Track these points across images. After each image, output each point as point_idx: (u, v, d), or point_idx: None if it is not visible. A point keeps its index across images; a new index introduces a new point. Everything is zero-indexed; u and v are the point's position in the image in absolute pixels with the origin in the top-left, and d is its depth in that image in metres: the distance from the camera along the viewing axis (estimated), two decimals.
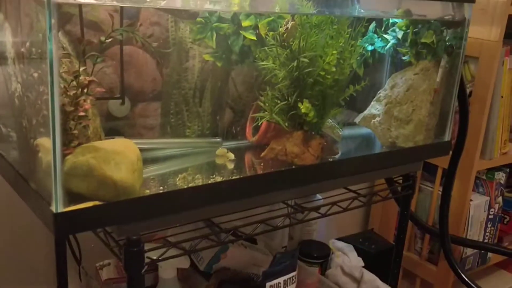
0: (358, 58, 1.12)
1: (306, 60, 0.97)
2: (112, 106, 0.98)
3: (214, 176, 0.94)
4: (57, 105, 0.69)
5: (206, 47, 1.06)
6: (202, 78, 1.08)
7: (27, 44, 0.75)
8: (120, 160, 0.79)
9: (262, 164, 1.03)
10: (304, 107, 1.00)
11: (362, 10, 1.15)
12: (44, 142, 0.76)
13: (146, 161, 0.99)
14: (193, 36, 1.03)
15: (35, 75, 0.74)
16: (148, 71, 1.02)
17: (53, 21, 0.65)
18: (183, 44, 1.05)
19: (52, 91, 0.67)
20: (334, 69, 1.01)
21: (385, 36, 1.19)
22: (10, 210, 1.18)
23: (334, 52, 1.00)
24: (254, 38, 1.04)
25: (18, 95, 0.82)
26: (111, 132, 1.00)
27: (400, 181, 1.28)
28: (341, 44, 1.01)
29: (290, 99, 1.01)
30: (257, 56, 1.03)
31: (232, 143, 1.12)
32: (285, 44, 0.99)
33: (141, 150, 0.99)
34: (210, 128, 1.11)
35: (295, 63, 0.97)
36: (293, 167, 1.00)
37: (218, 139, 1.10)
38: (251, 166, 1.04)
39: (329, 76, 1.01)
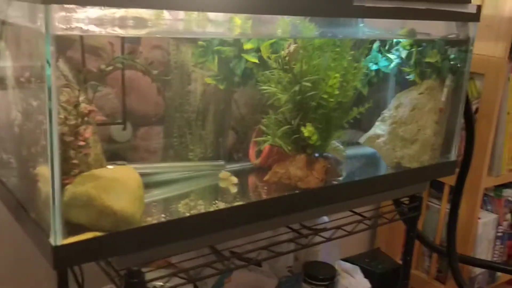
0: (362, 78, 1.10)
1: (308, 84, 0.96)
2: (114, 131, 0.98)
3: (216, 201, 0.93)
4: (56, 136, 0.68)
5: (208, 70, 1.05)
6: (204, 101, 1.07)
7: (27, 72, 0.74)
8: (121, 188, 0.78)
9: (265, 188, 1.02)
10: (307, 130, 0.98)
11: (367, 30, 1.14)
12: (43, 172, 0.75)
13: (149, 186, 0.98)
14: (195, 60, 1.02)
15: (34, 103, 0.74)
16: (150, 95, 1.02)
17: (51, 48, 0.64)
18: (185, 68, 1.04)
19: (51, 120, 0.67)
20: (337, 92, 1.00)
21: (389, 55, 1.18)
22: (13, 233, 1.16)
23: (337, 75, 0.99)
24: (256, 60, 1.04)
25: (18, 123, 0.81)
26: (114, 157, 0.99)
27: (406, 202, 1.26)
28: (344, 66, 1.00)
29: (293, 123, 1.00)
30: (259, 79, 1.03)
31: (235, 166, 1.11)
32: (287, 67, 0.98)
33: (144, 174, 0.98)
34: (213, 151, 1.10)
35: (297, 87, 0.95)
36: (297, 191, 0.98)
37: (221, 162, 1.09)
38: (254, 190, 1.03)
39: (332, 99, 1.00)
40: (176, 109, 1.05)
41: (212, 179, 1.06)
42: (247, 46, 1.02)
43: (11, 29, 0.84)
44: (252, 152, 1.12)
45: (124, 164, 0.98)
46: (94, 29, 0.84)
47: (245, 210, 0.90)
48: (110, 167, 0.88)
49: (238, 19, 0.96)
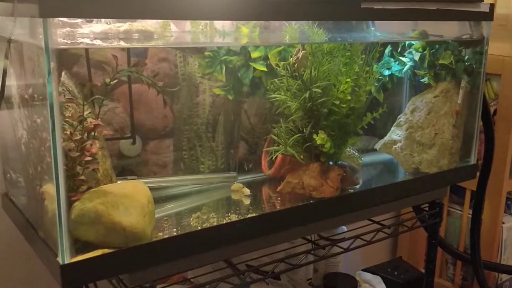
0: (376, 84, 1.08)
1: (318, 90, 0.94)
2: (123, 146, 0.96)
3: (229, 214, 0.90)
4: (60, 152, 0.66)
5: (216, 80, 1.04)
6: (213, 112, 1.06)
7: (30, 89, 0.73)
8: (129, 204, 0.77)
9: (279, 198, 0.99)
10: (320, 138, 0.96)
11: (378, 34, 1.11)
12: (50, 189, 0.74)
13: (160, 200, 0.96)
14: (202, 71, 1.01)
15: (38, 121, 0.72)
16: (159, 108, 1.00)
17: (52, 64, 0.63)
18: (193, 79, 1.03)
19: (54, 137, 0.65)
20: (349, 97, 0.97)
21: (402, 59, 1.15)
22: (25, 252, 1.15)
23: (348, 80, 0.96)
24: (265, 69, 1.02)
25: (24, 141, 0.80)
26: (124, 172, 0.97)
27: (426, 209, 1.22)
28: (355, 70, 0.98)
29: (304, 131, 0.97)
30: (268, 87, 1.01)
31: (247, 177, 1.08)
32: (296, 74, 0.96)
33: (155, 188, 0.97)
34: (224, 163, 1.08)
35: (307, 94, 0.93)
36: (311, 201, 0.95)
37: (233, 174, 1.07)
38: (267, 201, 1.00)
39: (344, 105, 0.97)
40: (185, 122, 1.03)
41: (224, 191, 1.03)
42: (255, 54, 1.00)
43: (13, 47, 0.84)
44: (264, 162, 1.09)
45: (134, 179, 0.97)
46: (98, 43, 0.84)
47: (259, 222, 0.87)
48: (120, 182, 0.87)
49: (245, 28, 0.95)
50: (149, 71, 0.95)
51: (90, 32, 0.83)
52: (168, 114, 1.02)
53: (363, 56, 0.99)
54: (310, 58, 0.95)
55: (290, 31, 0.98)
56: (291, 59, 0.96)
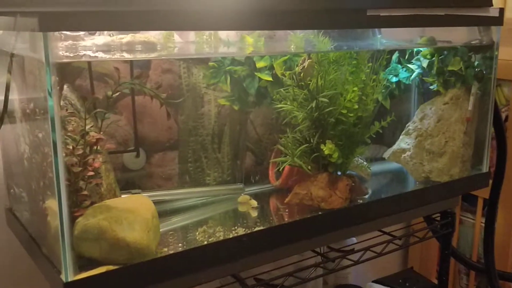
0: (383, 91, 1.06)
1: (325, 100, 0.92)
2: (127, 159, 0.95)
3: (236, 227, 0.89)
4: (61, 167, 0.65)
5: (221, 91, 1.02)
6: (219, 123, 1.04)
7: (31, 104, 0.72)
8: (133, 219, 0.75)
9: (287, 210, 0.97)
10: (327, 148, 0.94)
11: (385, 41, 1.10)
12: (52, 205, 0.73)
13: (166, 213, 0.94)
14: (207, 81, 1.00)
15: (40, 135, 0.71)
16: (163, 120, 0.99)
17: (53, 78, 0.62)
18: (197, 90, 1.01)
19: (55, 151, 0.64)
20: (356, 106, 0.95)
21: (410, 66, 1.13)
22: (27, 265, 1.14)
23: (355, 89, 0.94)
24: (270, 79, 1.00)
25: (26, 156, 0.79)
26: (128, 186, 0.96)
27: (438, 218, 1.19)
28: (362, 79, 0.96)
29: (311, 141, 0.95)
30: (274, 97, 0.99)
31: (254, 188, 1.06)
32: (303, 83, 0.94)
33: (160, 202, 0.95)
34: (230, 174, 1.06)
35: (314, 104, 0.91)
36: (320, 213, 0.93)
37: (240, 185, 1.05)
38: (275, 213, 0.98)
39: (351, 114, 0.95)
40: (190, 133, 1.01)
41: (230, 203, 1.02)
42: (260, 64, 0.99)
43: (15, 61, 0.83)
44: (271, 173, 1.07)
45: (139, 193, 0.95)
46: (101, 55, 0.82)
47: (267, 235, 0.85)
48: (124, 196, 0.85)
49: (250, 38, 0.94)
50: (152, 83, 0.94)
51: (92, 45, 0.82)
52: (172, 125, 1.00)
53: (370, 64, 0.97)
54: (316, 67, 0.94)
55: (295, 40, 0.97)
56: (297, 68, 0.94)
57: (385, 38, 1.10)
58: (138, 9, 0.65)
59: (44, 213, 0.74)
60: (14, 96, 0.83)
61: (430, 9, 0.99)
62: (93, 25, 0.64)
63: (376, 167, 1.16)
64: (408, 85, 1.20)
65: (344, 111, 0.94)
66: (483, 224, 1.44)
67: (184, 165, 1.02)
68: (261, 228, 0.87)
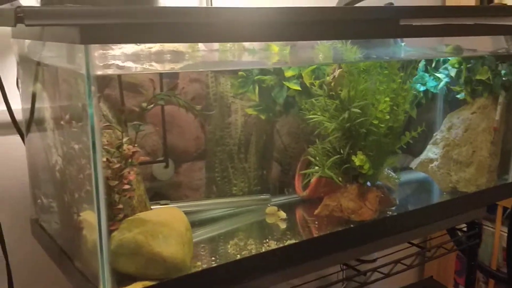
0: (412, 99, 1.04)
1: (357, 110, 0.91)
2: (156, 170, 0.93)
3: (267, 240, 0.87)
4: (101, 180, 0.64)
5: (248, 100, 1.01)
6: (245, 132, 1.03)
7: (67, 115, 0.71)
8: (168, 233, 0.74)
9: (316, 222, 0.95)
10: (358, 159, 0.92)
11: (408, 49, 1.08)
12: (88, 218, 0.71)
13: (193, 225, 0.92)
14: (235, 91, 0.98)
15: (76, 147, 0.70)
16: (191, 130, 0.98)
17: (93, 89, 0.61)
18: (225, 99, 1.00)
19: (95, 165, 0.63)
20: (387, 116, 0.94)
21: (437, 74, 1.12)
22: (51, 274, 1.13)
23: (387, 99, 0.93)
24: (299, 88, 0.99)
25: (59, 168, 0.78)
26: (155, 196, 0.95)
27: (462, 228, 1.18)
28: (393, 88, 0.95)
29: (342, 152, 0.94)
30: (303, 107, 0.98)
31: (281, 199, 1.05)
32: (333, 93, 0.93)
33: (188, 213, 0.94)
34: (257, 184, 1.04)
35: (346, 114, 0.90)
36: (352, 225, 0.92)
37: (267, 196, 1.03)
38: (305, 225, 0.96)
39: (383, 125, 0.94)
40: (217, 143, 1.00)
41: (257, 214, 1.00)
42: (289, 73, 0.98)
43: (47, 70, 0.82)
44: (298, 184, 1.06)
45: (167, 204, 0.94)
46: (131, 65, 0.81)
47: (300, 249, 0.84)
48: (153, 207, 0.84)
49: (275, 46, 0.92)
50: (183, 94, 0.93)
51: (121, 54, 0.81)
52: (200, 135, 0.99)
53: (402, 74, 0.96)
54: (347, 76, 0.92)
55: (322, 48, 0.95)
56: (328, 78, 0.93)
57: (408, 46, 1.09)
58: (176, 21, 0.64)
59: (79, 226, 0.73)
60: (45, 106, 0.82)
61: (460, 18, 0.98)
62: (134, 37, 0.63)
63: (403, 177, 1.14)
64: (434, 94, 1.18)
65: (376, 122, 0.93)
66: (502, 233, 1.43)
67: (211, 175, 1.00)
68: (295, 241, 0.86)
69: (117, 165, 0.69)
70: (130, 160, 0.72)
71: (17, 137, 0.95)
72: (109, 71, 0.67)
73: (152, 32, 0.63)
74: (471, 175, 1.11)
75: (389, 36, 0.91)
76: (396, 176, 1.06)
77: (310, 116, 0.94)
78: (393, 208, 1.02)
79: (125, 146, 0.71)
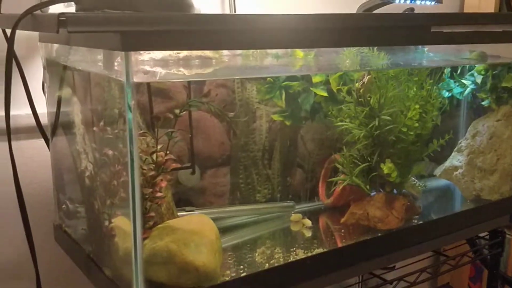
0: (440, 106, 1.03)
1: (387, 118, 0.90)
2: (182, 176, 0.93)
3: (294, 248, 0.86)
4: (138, 187, 0.63)
5: (273, 106, 1.00)
6: (270, 138, 1.02)
7: (101, 122, 0.70)
8: (200, 241, 0.73)
9: (343, 231, 0.94)
10: (387, 167, 0.91)
11: (431, 54, 1.07)
12: (121, 225, 0.70)
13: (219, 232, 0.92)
14: (261, 97, 0.97)
15: (110, 154, 0.69)
16: (216, 135, 0.97)
17: (133, 101, 0.60)
18: (250, 105, 0.99)
19: (132, 173, 0.62)
20: (417, 124, 0.93)
21: (464, 81, 1.11)
22: (73, 280, 1.12)
23: (417, 106, 0.92)
24: (326, 94, 0.98)
25: (89, 174, 0.77)
26: (180, 202, 0.94)
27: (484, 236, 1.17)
28: (423, 95, 0.94)
29: (369, 159, 0.93)
30: (330, 113, 0.97)
31: (305, 206, 1.04)
32: (362, 100, 0.92)
33: (212, 220, 0.93)
34: (280, 191, 1.03)
35: (376, 122, 0.89)
36: (380, 234, 0.91)
37: (291, 203, 1.02)
38: (331, 234, 0.95)
39: (411, 132, 0.93)
40: (242, 149, 0.99)
41: (281, 221, 0.99)
42: (316, 79, 0.97)
43: (78, 75, 0.81)
44: (322, 191, 1.05)
45: (192, 210, 0.93)
46: (159, 70, 0.80)
47: (329, 258, 0.83)
48: (181, 214, 0.83)
49: (300, 51, 0.91)
50: (217, 101, 0.92)
51: (150, 59, 0.80)
52: (225, 141, 0.98)
53: (431, 81, 0.95)
54: (376, 83, 0.91)
55: (348, 54, 0.94)
56: (357, 84, 0.92)
57: (431, 52, 1.08)
58: (216, 28, 0.63)
59: (110, 233, 0.72)
60: (74, 111, 0.81)
61: (489, 25, 0.97)
62: (174, 44, 0.62)
63: (425, 184, 1.13)
64: (457, 100, 1.17)
65: (404, 129, 0.92)
66: None
67: (235, 181, 0.99)
68: (323, 250, 0.85)
69: (152, 173, 0.68)
70: (162, 167, 0.72)
71: (40, 141, 0.95)
72: (149, 79, 0.65)
73: (191, 38, 0.62)
74: (495, 183, 1.10)
75: (421, 43, 0.90)
76: (421, 184, 1.05)
77: (339, 124, 0.93)
78: (417, 216, 1.01)
79: (159, 154, 0.71)
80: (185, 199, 0.95)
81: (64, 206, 0.92)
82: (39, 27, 0.63)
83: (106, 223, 0.73)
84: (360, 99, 0.92)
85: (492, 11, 1.56)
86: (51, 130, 0.92)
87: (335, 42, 0.80)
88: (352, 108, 0.91)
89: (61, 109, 0.88)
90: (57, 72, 0.87)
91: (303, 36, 0.74)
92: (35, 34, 0.90)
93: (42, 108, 0.93)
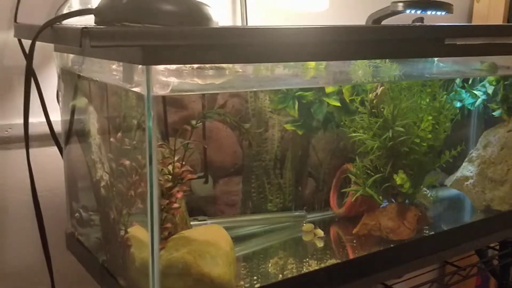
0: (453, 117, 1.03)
1: (401, 129, 0.90)
2: (195, 185, 0.93)
3: (307, 259, 0.86)
4: (156, 200, 0.63)
5: (285, 115, 1.00)
6: (282, 147, 1.02)
7: (119, 133, 0.71)
8: (215, 252, 0.73)
9: (355, 241, 0.95)
10: (400, 178, 0.91)
11: (442, 65, 1.08)
12: (138, 236, 0.71)
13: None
14: (274, 106, 0.98)
15: (127, 164, 0.69)
16: (229, 144, 0.97)
17: (153, 113, 0.60)
18: (262, 114, 0.99)
19: (151, 184, 0.62)
20: (430, 135, 0.93)
21: (475, 91, 1.11)
22: None
23: (430, 117, 0.92)
24: (338, 104, 0.98)
25: (104, 184, 0.77)
26: (192, 212, 0.94)
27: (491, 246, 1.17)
28: (436, 107, 0.94)
29: (382, 170, 0.93)
30: (343, 123, 0.97)
31: (316, 216, 1.04)
32: (375, 111, 0.92)
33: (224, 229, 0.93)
34: (292, 200, 1.03)
35: (390, 133, 0.89)
36: (393, 245, 0.91)
37: (302, 213, 1.02)
38: (344, 245, 0.95)
39: (424, 144, 0.93)
40: (254, 158, 0.99)
41: (293, 231, 0.99)
42: (329, 89, 0.97)
43: (94, 85, 0.81)
44: (333, 200, 1.05)
45: (205, 220, 0.93)
46: (173, 79, 0.81)
47: (343, 269, 0.83)
48: (194, 223, 0.83)
49: (313, 62, 0.92)
50: (233, 111, 0.92)
51: (165, 69, 0.81)
52: (237, 150, 0.99)
53: (444, 92, 0.95)
54: (390, 93, 0.92)
55: (360, 65, 0.94)
56: (371, 95, 0.92)
57: (442, 62, 1.08)
58: (236, 42, 0.64)
59: (126, 243, 0.72)
60: (90, 121, 0.81)
61: (504, 37, 0.97)
62: (194, 58, 0.62)
63: (436, 194, 1.13)
64: (469, 110, 1.17)
65: (417, 140, 0.92)
66: None
67: (247, 191, 1.00)
68: (336, 261, 0.85)
69: (169, 184, 0.68)
70: (179, 178, 0.72)
71: (52, 149, 0.95)
72: (169, 91, 0.66)
73: (211, 52, 0.62)
74: (505, 193, 1.10)
75: (435, 55, 0.90)
76: (432, 194, 1.05)
77: (353, 135, 0.93)
78: (427, 226, 1.01)
79: (175, 165, 0.71)
80: (197, 208, 0.95)
81: (77, 214, 0.92)
82: (60, 39, 0.63)
83: (122, 233, 0.73)
84: (373, 110, 0.92)
85: (501, 20, 1.56)
86: (64, 138, 0.92)
87: (350, 54, 0.80)
88: (366, 118, 0.91)
89: (76, 118, 0.88)
90: (71, 81, 0.88)
91: (320, 48, 0.75)
92: (50, 44, 0.90)
93: (56, 117, 0.93)
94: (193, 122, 0.74)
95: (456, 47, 0.90)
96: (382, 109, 0.92)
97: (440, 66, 1.05)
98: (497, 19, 1.56)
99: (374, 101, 0.92)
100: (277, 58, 0.70)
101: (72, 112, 0.89)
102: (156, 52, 0.59)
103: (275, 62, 0.74)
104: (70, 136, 0.91)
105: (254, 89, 0.93)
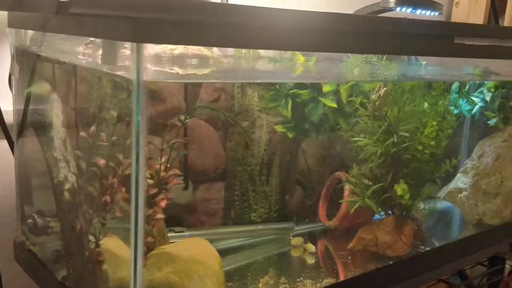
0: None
1: (406, 134, 0.81)
2: (173, 192, 0.80)
3: (301, 278, 0.76)
4: (142, 204, 0.51)
5: (275, 115, 0.90)
6: (269, 151, 0.92)
7: (92, 126, 0.58)
8: (204, 272, 0.62)
9: (349, 258, 0.85)
10: (401, 188, 0.83)
11: (430, 68, 1.01)
12: (113, 250, 0.58)
13: None
14: (264, 104, 0.87)
15: (102, 164, 0.57)
16: (211, 145, 0.86)
17: (143, 100, 0.49)
18: (250, 113, 0.89)
19: (137, 191, 0.50)
20: (433, 142, 0.85)
21: (473, 98, 1.05)
22: None
23: (434, 123, 0.84)
24: (335, 105, 0.89)
25: (70, 187, 0.64)
26: (170, 222, 0.82)
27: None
28: (440, 112, 0.86)
29: (384, 180, 0.84)
30: (339, 127, 0.88)
31: (304, 228, 0.94)
32: (377, 113, 0.84)
33: None
34: (278, 210, 0.93)
35: (395, 138, 0.80)
36: (391, 262, 0.83)
37: (290, 224, 0.92)
38: (337, 262, 0.86)
39: (427, 151, 0.85)
40: (238, 162, 0.88)
41: (280, 245, 0.89)
42: (326, 88, 0.88)
43: (60, 68, 0.68)
44: (322, 211, 0.95)
45: (182, 232, 0.81)
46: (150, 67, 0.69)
47: None
48: (179, 241, 0.72)
49: (301, 56, 0.82)
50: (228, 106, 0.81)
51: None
52: (220, 152, 0.87)
53: (449, 96, 0.88)
54: (392, 95, 0.83)
55: (354, 62, 0.85)
56: (373, 96, 0.83)
57: (430, 65, 1.01)
58: (251, 23, 0.53)
59: (97, 259, 0.59)
60: (53, 110, 0.68)
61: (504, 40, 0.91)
62: (198, 38, 0.51)
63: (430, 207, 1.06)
64: (464, 118, 1.11)
65: (420, 147, 0.84)
66: None
67: (230, 199, 0.88)
68: (332, 281, 0.75)
69: (155, 191, 0.56)
70: (164, 183, 0.60)
71: (2, 143, 0.81)
72: (162, 78, 0.54)
73: (218, 33, 0.51)
74: (497, 206, 1.04)
75: (444, 54, 0.83)
76: (426, 207, 0.97)
77: (355, 139, 0.84)
78: (420, 242, 0.93)
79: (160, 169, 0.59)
80: (173, 218, 0.83)
81: (30, 220, 0.78)
82: (27, 6, 0.50)
83: (91, 245, 0.60)
84: (375, 113, 0.83)
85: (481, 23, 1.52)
86: (17, 130, 0.78)
87: (347, 47, 0.70)
88: (368, 122, 0.83)
89: (33, 107, 0.75)
90: (29, 63, 0.74)
91: (318, 38, 0.65)
92: (3, 17, 0.76)
93: (7, 105, 0.80)
94: (182, 117, 0.62)
95: (464, 47, 0.83)
96: (384, 112, 0.83)
97: (427, 68, 0.98)
98: (477, 22, 1.53)
99: (377, 103, 0.83)
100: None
101: (28, 100, 0.75)
102: (150, 27, 0.47)
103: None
104: (24, 128, 0.77)
105: (245, 81, 0.82)
